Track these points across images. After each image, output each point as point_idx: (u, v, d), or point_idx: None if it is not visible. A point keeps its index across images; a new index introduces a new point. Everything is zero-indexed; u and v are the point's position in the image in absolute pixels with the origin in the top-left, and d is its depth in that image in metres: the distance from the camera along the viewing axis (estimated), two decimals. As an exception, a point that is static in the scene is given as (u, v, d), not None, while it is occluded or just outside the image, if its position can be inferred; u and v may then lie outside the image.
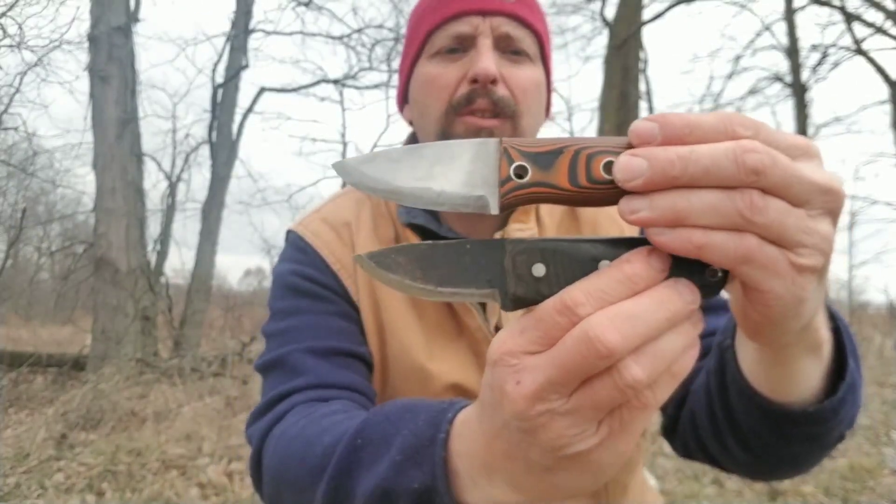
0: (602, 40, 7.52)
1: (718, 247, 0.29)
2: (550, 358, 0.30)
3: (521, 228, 0.70)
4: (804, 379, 0.43)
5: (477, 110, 0.64)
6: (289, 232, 0.73)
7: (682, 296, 0.30)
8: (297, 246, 0.71)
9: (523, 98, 0.66)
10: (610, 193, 0.31)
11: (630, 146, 0.30)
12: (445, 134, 0.65)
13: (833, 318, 0.44)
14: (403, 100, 0.76)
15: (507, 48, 0.66)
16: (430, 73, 0.67)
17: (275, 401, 0.61)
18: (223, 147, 7.70)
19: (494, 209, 0.32)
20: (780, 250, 0.30)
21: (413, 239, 0.68)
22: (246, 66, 7.92)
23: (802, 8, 9.10)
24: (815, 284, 0.32)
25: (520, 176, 0.32)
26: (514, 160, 0.32)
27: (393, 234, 0.71)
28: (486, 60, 0.63)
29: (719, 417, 0.54)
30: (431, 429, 0.40)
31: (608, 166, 0.31)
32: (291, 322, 0.66)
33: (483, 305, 0.68)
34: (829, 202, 0.30)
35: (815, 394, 0.44)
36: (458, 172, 0.33)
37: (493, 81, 0.63)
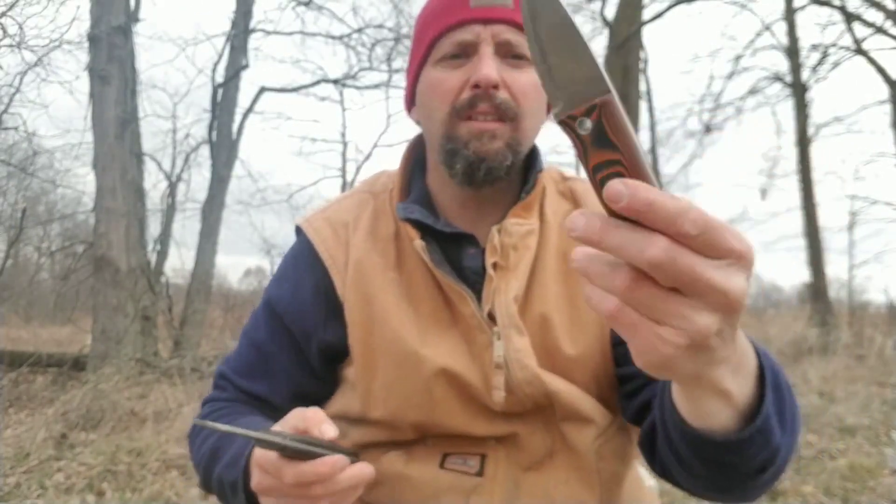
0: (602, 40, 7.52)
1: (597, 285, 0.35)
2: None
3: (520, 223, 0.72)
4: (710, 416, 0.45)
5: (479, 114, 0.67)
6: (297, 226, 0.81)
7: None
8: (297, 249, 0.80)
9: (524, 101, 0.69)
10: None
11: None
12: (449, 136, 0.69)
13: (763, 368, 0.46)
14: (411, 101, 0.79)
15: (507, 53, 0.69)
16: (436, 79, 0.70)
17: (205, 400, 0.83)
18: (223, 147, 7.70)
19: None
20: (642, 318, 0.34)
21: (412, 234, 0.71)
22: (246, 66, 7.92)
23: (802, 8, 9.10)
24: (686, 357, 0.35)
25: None
26: None
27: (393, 229, 0.75)
28: (488, 67, 0.67)
29: (661, 435, 0.56)
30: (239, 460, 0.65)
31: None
32: (245, 351, 0.80)
33: (478, 293, 0.70)
34: (724, 305, 0.33)
35: (729, 428, 0.46)
36: None
37: (495, 86, 0.67)
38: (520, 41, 0.69)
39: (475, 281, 0.72)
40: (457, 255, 0.73)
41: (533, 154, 0.78)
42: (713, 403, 0.43)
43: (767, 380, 0.45)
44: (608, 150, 0.33)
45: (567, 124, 0.35)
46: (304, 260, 0.78)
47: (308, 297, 0.76)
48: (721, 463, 0.49)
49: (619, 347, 0.72)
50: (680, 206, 0.31)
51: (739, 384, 0.43)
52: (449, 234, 0.73)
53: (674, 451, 0.54)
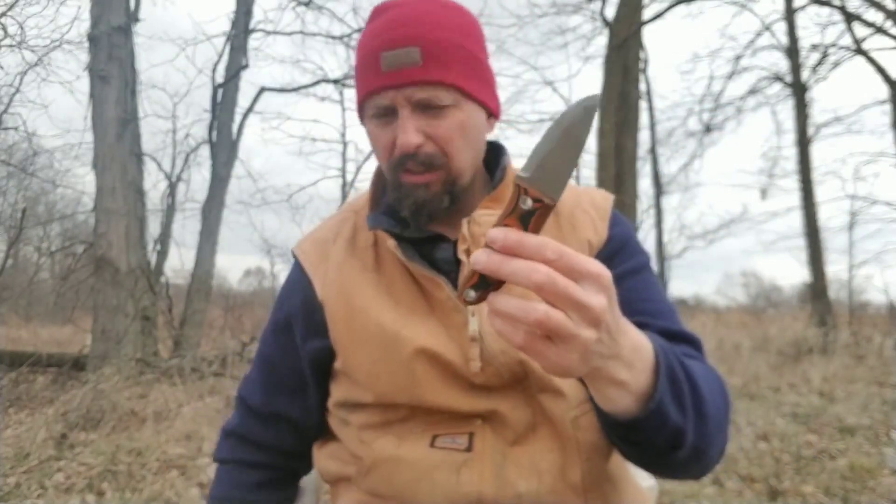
0: (602, 40, 7.53)
1: (508, 323, 0.45)
2: None
3: (489, 214, 0.77)
4: (613, 401, 0.54)
5: (409, 171, 0.74)
6: (292, 251, 0.89)
7: None
8: (290, 272, 0.88)
9: (450, 146, 0.74)
10: None
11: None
12: (394, 184, 0.76)
13: (658, 363, 0.55)
14: None
15: (426, 107, 0.73)
16: (373, 134, 0.77)
17: (226, 433, 0.90)
18: (223, 147, 7.70)
19: None
20: (544, 342, 0.45)
21: (388, 240, 0.77)
22: (246, 66, 7.92)
23: (802, 8, 9.10)
24: (580, 362, 0.46)
25: None
26: None
27: (372, 240, 0.82)
28: (405, 133, 0.72)
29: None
30: None
31: None
32: (258, 370, 0.88)
33: (453, 282, 0.75)
34: (593, 319, 0.45)
35: (631, 411, 0.55)
36: None
37: (416, 148, 0.72)
38: (433, 95, 0.72)
39: (449, 270, 0.77)
40: (430, 253, 0.78)
41: (496, 152, 0.84)
42: (612, 391, 0.53)
43: (661, 371, 0.55)
44: (522, 226, 0.44)
45: (520, 186, 0.44)
46: (293, 278, 0.86)
47: (297, 312, 0.83)
48: (632, 441, 0.60)
49: None
50: (540, 241, 0.43)
51: (634, 375, 0.53)
52: (420, 239, 0.78)
53: (605, 432, 0.66)
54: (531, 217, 0.44)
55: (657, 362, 0.55)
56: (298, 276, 0.84)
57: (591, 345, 0.45)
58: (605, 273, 0.45)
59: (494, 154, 0.85)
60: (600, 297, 0.45)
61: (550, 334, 0.44)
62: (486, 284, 0.46)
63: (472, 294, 0.47)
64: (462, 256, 0.75)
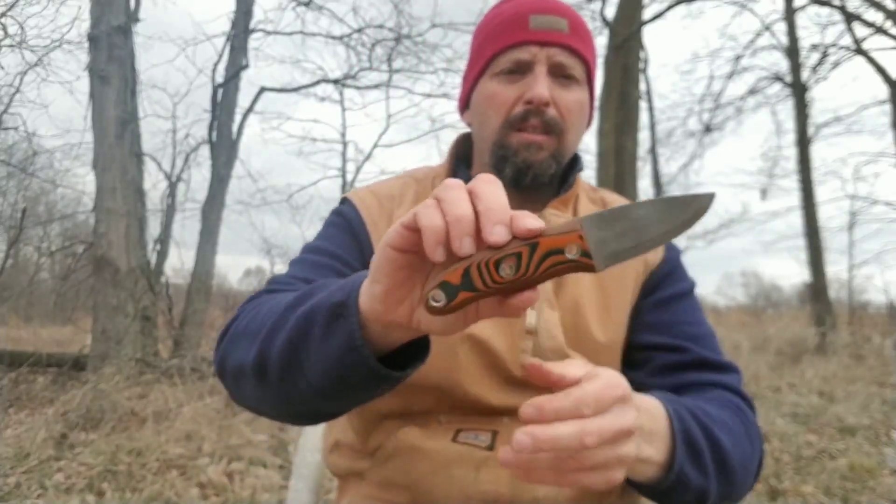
0: (602, 40, 7.51)
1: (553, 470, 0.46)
2: None
3: (557, 214, 0.80)
4: (639, 473, 0.56)
5: (529, 126, 0.76)
6: (343, 197, 0.86)
7: None
8: (341, 212, 0.83)
9: (569, 117, 0.77)
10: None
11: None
12: (501, 143, 0.77)
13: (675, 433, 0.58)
14: (465, 106, 0.87)
15: (559, 73, 0.77)
16: (492, 91, 0.78)
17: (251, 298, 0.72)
18: (223, 147, 7.70)
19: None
20: (598, 472, 0.47)
21: None
22: (246, 66, 7.91)
23: (802, 8, 9.09)
24: (621, 473, 0.48)
25: None
26: None
27: None
28: (541, 86, 0.74)
29: None
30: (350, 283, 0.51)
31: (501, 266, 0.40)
32: (308, 255, 0.77)
33: None
34: (627, 434, 0.47)
35: (655, 478, 0.57)
36: None
37: (546, 104, 0.75)
38: (571, 63, 0.77)
39: None
40: None
41: (573, 159, 0.85)
42: (637, 466, 0.55)
43: (678, 439, 0.57)
44: (548, 265, 0.40)
45: (581, 231, 0.41)
46: (346, 222, 0.80)
47: (349, 253, 0.78)
48: (659, 500, 0.62)
49: (631, 349, 0.80)
50: (574, 401, 0.44)
51: (656, 448, 0.55)
52: None
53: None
54: (564, 265, 0.40)
55: (672, 428, 0.57)
56: (356, 217, 0.80)
57: (631, 455, 0.48)
58: (625, 387, 0.48)
59: (570, 160, 0.85)
60: (629, 412, 0.48)
61: (598, 468, 0.46)
62: (472, 287, 0.39)
63: (440, 297, 0.40)
64: None
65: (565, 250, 0.40)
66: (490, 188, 0.42)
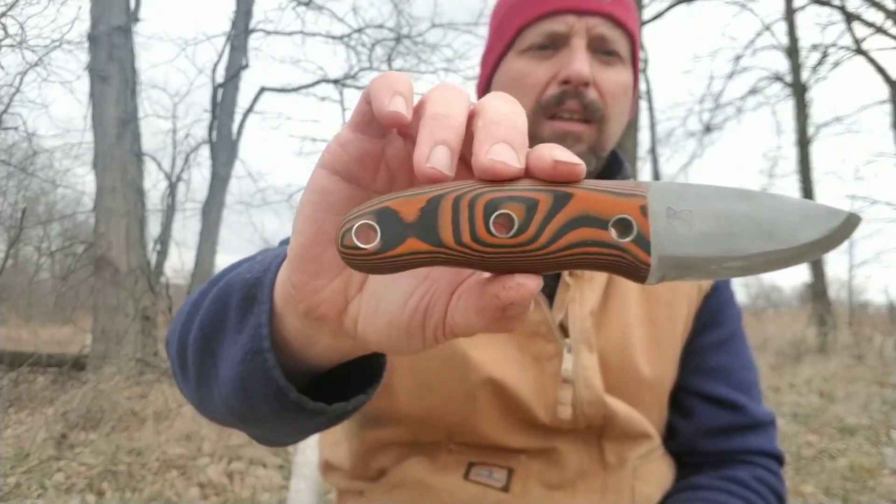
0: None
1: None
2: None
3: None
4: None
5: (565, 111, 0.62)
6: None
7: None
8: None
9: (612, 102, 0.64)
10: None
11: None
12: (532, 134, 0.63)
13: None
14: (485, 91, 0.73)
15: (599, 49, 0.64)
16: (520, 70, 0.64)
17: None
18: (223, 147, 7.70)
19: None
20: None
21: None
22: (246, 66, 7.92)
23: (802, 8, 9.10)
24: None
25: None
26: None
27: None
28: (580, 62, 0.61)
29: None
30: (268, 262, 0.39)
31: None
32: None
33: (550, 298, 0.65)
34: None
35: None
36: None
37: (586, 84, 0.62)
38: (614, 37, 0.63)
39: (547, 285, 0.64)
40: None
41: (615, 161, 0.73)
42: None
43: None
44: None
45: (630, 210, 0.24)
46: None
47: None
48: None
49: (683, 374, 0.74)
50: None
51: None
52: None
53: None
54: (600, 251, 0.24)
55: None
56: None
57: None
58: None
59: (612, 162, 0.73)
60: None
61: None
62: (434, 237, 0.23)
63: (370, 234, 0.23)
64: (566, 277, 0.64)
65: (610, 224, 0.23)
66: (502, 103, 0.26)
